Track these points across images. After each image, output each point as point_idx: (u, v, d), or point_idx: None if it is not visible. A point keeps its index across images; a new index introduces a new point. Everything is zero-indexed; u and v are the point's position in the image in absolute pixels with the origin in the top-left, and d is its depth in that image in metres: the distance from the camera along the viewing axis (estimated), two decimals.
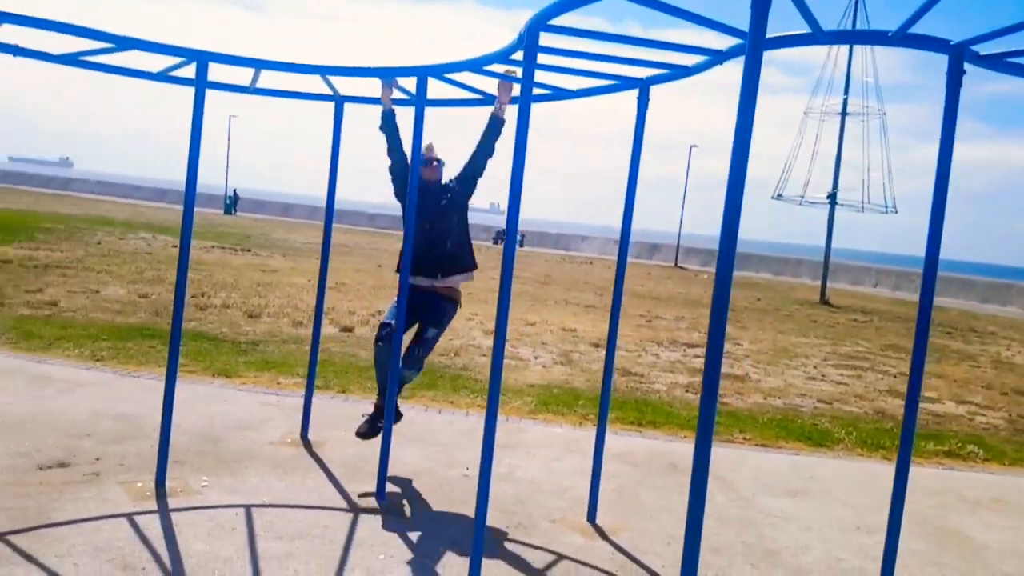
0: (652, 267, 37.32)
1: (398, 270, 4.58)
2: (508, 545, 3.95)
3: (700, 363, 10.22)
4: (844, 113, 23.54)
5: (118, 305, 9.76)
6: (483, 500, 3.33)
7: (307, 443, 5.14)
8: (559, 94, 4.49)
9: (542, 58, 3.80)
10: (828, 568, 4.10)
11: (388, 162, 4.74)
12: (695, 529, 2.56)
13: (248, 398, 6.09)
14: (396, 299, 4.58)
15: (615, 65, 3.94)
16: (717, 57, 3.58)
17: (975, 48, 3.14)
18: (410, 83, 4.34)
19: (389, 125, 4.65)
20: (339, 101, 4.97)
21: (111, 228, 22.72)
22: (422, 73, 4.11)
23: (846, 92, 23.48)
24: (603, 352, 10.20)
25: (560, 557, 3.88)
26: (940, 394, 9.67)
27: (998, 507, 5.38)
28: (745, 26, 2.84)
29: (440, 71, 4.07)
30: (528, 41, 3.20)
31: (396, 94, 4.69)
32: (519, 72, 3.88)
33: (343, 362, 7.68)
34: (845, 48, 23.71)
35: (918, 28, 3.09)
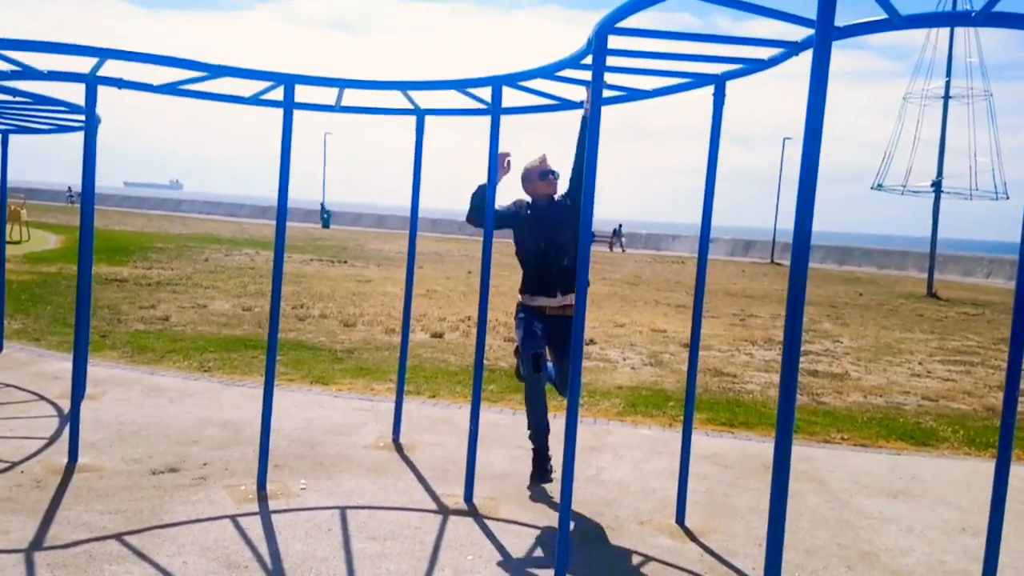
0: (747, 264, 36.41)
1: (522, 291, 4.77)
2: (595, 547, 3.97)
3: None
4: (947, 96, 22.40)
5: (223, 318, 10.28)
6: (566, 501, 3.37)
7: (399, 447, 5.29)
8: (634, 95, 4.49)
9: (615, 60, 3.82)
10: (930, 571, 3.93)
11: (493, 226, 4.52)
12: (778, 528, 2.53)
13: (343, 404, 6.32)
14: (523, 326, 4.65)
15: (689, 63, 3.92)
16: (792, 49, 3.52)
17: None
18: (485, 93, 4.43)
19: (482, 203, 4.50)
20: (420, 115, 5.12)
21: (218, 245, 23.92)
22: (496, 83, 4.19)
23: (948, 74, 22.34)
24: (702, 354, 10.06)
25: (648, 559, 3.87)
26: None
27: None
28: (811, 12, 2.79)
29: (514, 80, 4.14)
30: (597, 46, 3.23)
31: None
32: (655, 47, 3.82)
33: (434, 367, 7.86)
34: (945, 30, 22.58)
35: (1005, 6, 2.96)
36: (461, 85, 4.35)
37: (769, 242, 41.22)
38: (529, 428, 4.77)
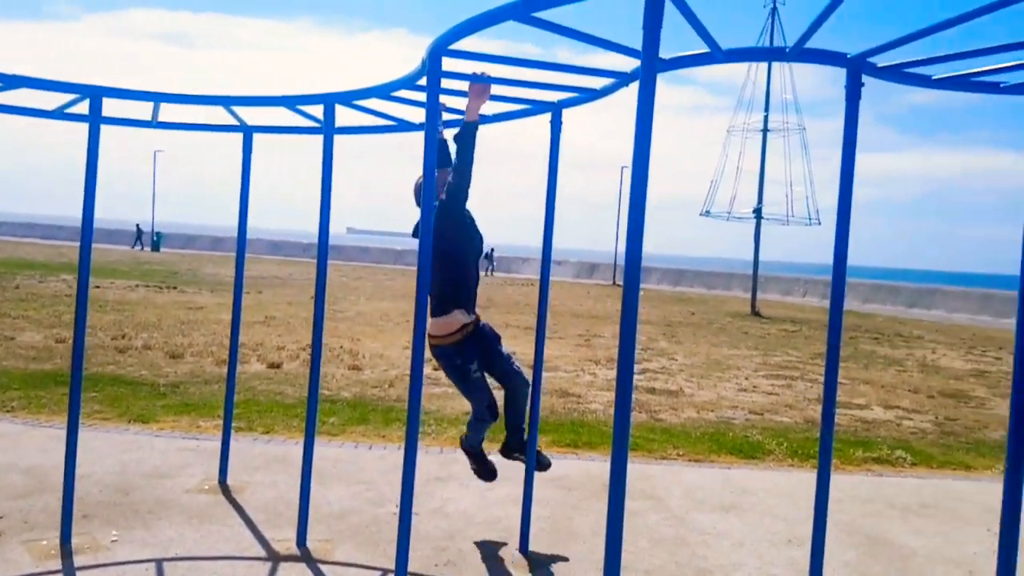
0: (592, 286, 37.62)
1: (445, 311, 4.14)
2: None
3: (637, 380, 10.25)
4: (765, 130, 24.24)
5: (32, 351, 9.29)
6: (404, 539, 3.20)
7: (226, 489, 4.91)
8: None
9: (453, 84, 3.75)
10: None
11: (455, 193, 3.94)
12: (614, 552, 2.49)
13: (165, 444, 5.82)
14: (461, 371, 4.18)
15: (527, 90, 3.92)
16: (623, 79, 3.58)
17: (873, 60, 3.20)
18: (318, 111, 4.22)
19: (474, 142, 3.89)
20: (248, 132, 4.83)
21: (31, 271, 21.82)
22: (329, 100, 4.01)
23: (767, 109, 24.21)
24: (543, 374, 10.15)
25: None
26: (868, 400, 9.89)
27: (927, 512, 5.47)
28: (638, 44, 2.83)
29: (348, 98, 3.98)
30: (430, 67, 3.13)
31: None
32: (490, 71, 3.65)
33: (269, 400, 7.44)
34: (764, 66, 24.47)
35: (818, 43, 3.15)
36: (291, 102, 4.13)
37: (611, 264, 42.86)
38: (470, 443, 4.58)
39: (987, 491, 6.04)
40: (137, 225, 48.45)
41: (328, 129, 4.06)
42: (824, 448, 3.39)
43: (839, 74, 3.29)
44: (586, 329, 16.45)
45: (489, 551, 4.26)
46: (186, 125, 4.82)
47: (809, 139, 24.58)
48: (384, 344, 11.98)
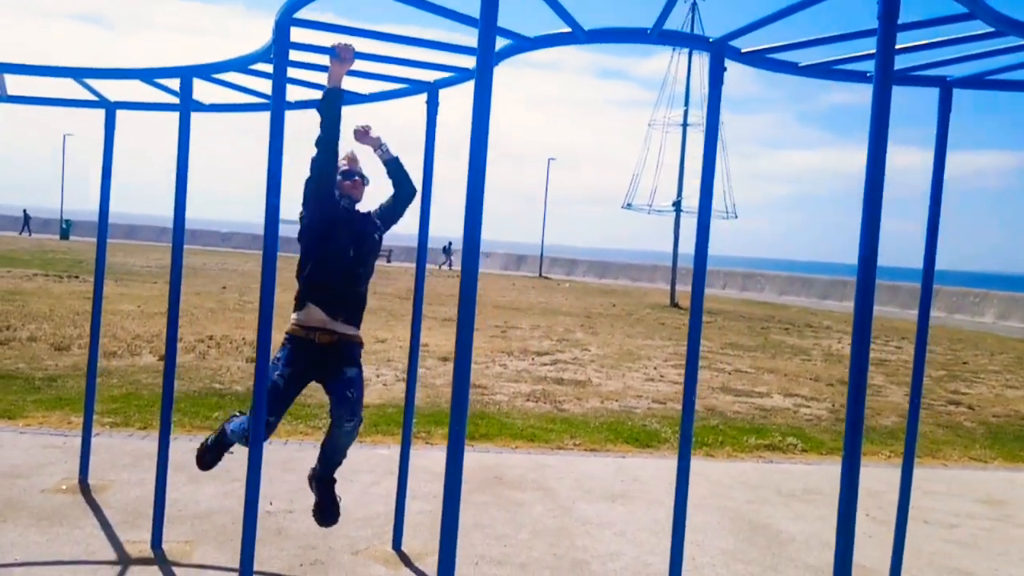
0: (517, 278, 37.62)
1: (298, 308, 3.64)
2: None
3: (546, 371, 10.22)
4: (685, 124, 24.57)
5: None
6: (248, 537, 3.03)
7: (86, 488, 4.62)
8: (349, 98, 4.25)
9: (312, 57, 3.57)
10: (635, 575, 4.04)
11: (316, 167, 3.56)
12: (450, 539, 2.38)
13: (29, 441, 5.46)
14: (279, 368, 3.57)
15: (401, 67, 3.77)
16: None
17: (736, 45, 3.16)
18: (174, 86, 3.97)
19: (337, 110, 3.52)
20: (110, 108, 4.53)
21: None
22: (187, 74, 3.77)
23: (686, 104, 24.53)
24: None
25: None
26: (770, 388, 10.08)
27: (810, 498, 5.56)
28: (519, 27, 2.72)
29: (206, 71, 3.74)
30: (277, 36, 2.94)
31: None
32: (348, 44, 3.34)
33: (152, 395, 7.08)
34: (685, 61, 24.80)
35: (688, 27, 3.08)
36: (147, 75, 3.86)
37: (538, 256, 43.01)
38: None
39: (872, 476, 6.18)
40: (24, 210, 46.25)
41: (186, 104, 3.81)
42: (685, 435, 3.35)
43: (762, 72, 3.26)
44: (504, 321, 16.38)
45: (361, 549, 4.10)
46: (42, 99, 4.50)
47: (731, 135, 25.10)
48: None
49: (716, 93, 3.12)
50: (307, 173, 3.57)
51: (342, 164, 3.71)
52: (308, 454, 5.63)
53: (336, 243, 3.61)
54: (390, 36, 3.36)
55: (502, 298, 22.99)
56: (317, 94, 4.12)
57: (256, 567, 3.76)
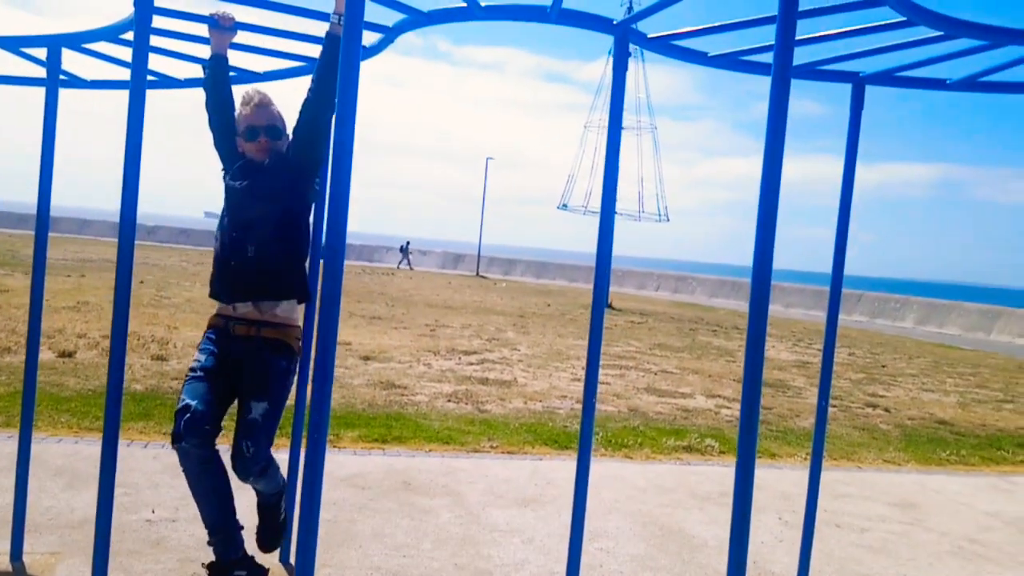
0: (454, 276, 37.35)
1: (214, 295, 3.34)
2: None
3: (472, 371, 10.01)
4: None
5: None
6: (101, 543, 2.73)
7: None
8: (243, 76, 3.97)
9: (185, 26, 3.29)
10: None
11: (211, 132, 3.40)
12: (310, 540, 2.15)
13: None
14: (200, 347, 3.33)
15: (298, 43, 3.51)
16: (388, 33, 3.24)
17: (643, 31, 3.01)
18: (40, 58, 3.62)
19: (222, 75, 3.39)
20: None
21: None
22: (54, 43, 3.43)
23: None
24: (374, 365, 9.73)
25: None
26: (694, 389, 10.08)
27: (724, 501, 5.47)
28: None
29: (75, 40, 3.41)
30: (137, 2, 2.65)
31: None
32: (227, 12, 3.20)
33: (42, 393, 6.61)
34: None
35: (591, 7, 2.91)
36: (12, 44, 3.51)
37: (475, 255, 42.80)
38: (207, 528, 3.24)
39: (786, 479, 6.16)
40: None
41: (53, 79, 3.47)
42: (584, 438, 3.19)
43: (709, 82, 3.14)
44: (435, 319, 16.11)
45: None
46: None
47: (673, 142, 25.37)
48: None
49: (620, 78, 2.96)
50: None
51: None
52: None
53: (221, 223, 3.39)
54: (283, 6, 3.10)
55: (436, 296, 22.70)
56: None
57: None
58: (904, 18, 2.61)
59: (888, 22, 2.72)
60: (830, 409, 9.44)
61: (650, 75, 24.37)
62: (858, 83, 3.56)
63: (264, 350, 3.20)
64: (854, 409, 9.63)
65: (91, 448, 5.30)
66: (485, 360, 11.04)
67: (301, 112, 3.20)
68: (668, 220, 25.07)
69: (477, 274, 40.50)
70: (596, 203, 25.38)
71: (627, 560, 4.26)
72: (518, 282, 35.79)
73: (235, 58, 3.71)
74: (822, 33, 2.82)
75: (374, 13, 3.00)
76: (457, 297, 23.43)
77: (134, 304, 13.80)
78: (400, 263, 40.73)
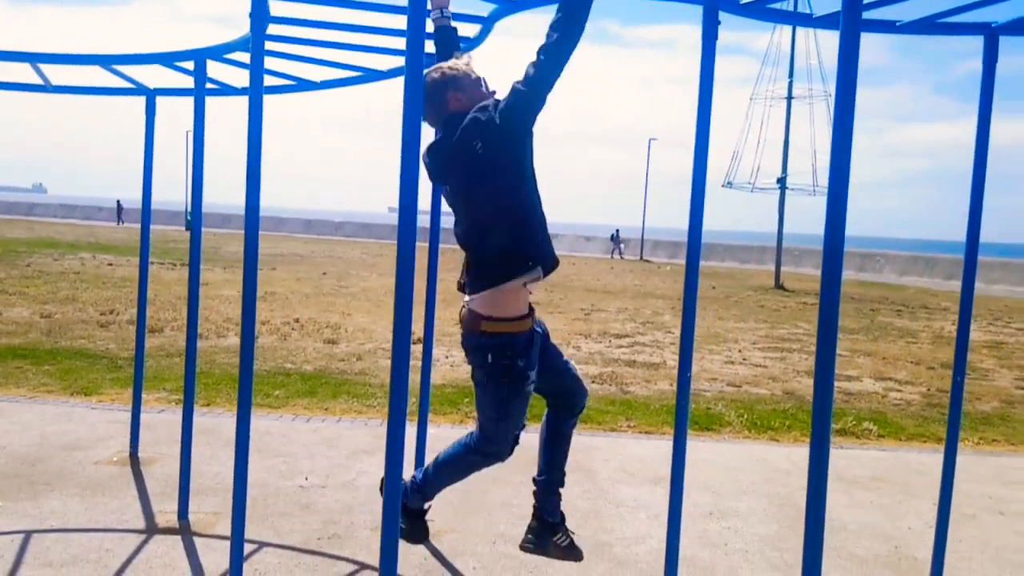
0: (617, 261, 37.22)
1: (509, 278, 2.81)
2: (307, 558, 3.68)
3: (620, 353, 10.01)
4: (790, 97, 23.48)
5: (13, 326, 9.40)
6: (239, 502, 3.06)
7: (136, 461, 4.85)
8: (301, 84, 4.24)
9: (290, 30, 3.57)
10: (658, 558, 3.86)
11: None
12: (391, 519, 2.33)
13: (98, 416, 5.78)
14: (518, 387, 2.89)
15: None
16: (485, 23, 3.36)
17: None
18: (187, 73, 4.07)
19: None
20: (150, 95, 4.69)
21: (52, 249, 22.27)
22: (200, 56, 3.85)
23: (791, 75, 23.42)
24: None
25: (362, 567, 3.62)
26: (862, 372, 9.50)
27: (874, 485, 5.18)
28: None
29: (219, 52, 3.81)
30: (255, 9, 2.93)
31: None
32: None
33: (222, 373, 7.38)
34: (788, 32, 23.66)
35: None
36: (166, 59, 3.97)
37: (639, 240, 42.36)
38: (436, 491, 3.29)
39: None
40: (118, 201, 49.08)
41: (200, 88, 3.89)
42: (680, 419, 3.17)
43: (897, 43, 3.01)
44: (591, 304, 16.19)
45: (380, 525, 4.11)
46: (86, 89, 4.70)
47: (860, 109, 23.77)
48: (374, 318, 11.91)
49: (710, 49, 2.89)
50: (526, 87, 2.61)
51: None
52: (358, 431, 5.73)
53: (536, 191, 2.87)
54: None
55: (596, 281, 22.75)
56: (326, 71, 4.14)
57: (275, 540, 3.86)
58: None
59: None
60: (1019, 392, 8.61)
61: (828, 39, 22.93)
62: (991, 34, 3.25)
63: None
64: None
65: (260, 422, 5.86)
66: (636, 343, 10.98)
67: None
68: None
69: (640, 258, 40.06)
70: (763, 179, 24.33)
71: (754, 539, 4.16)
72: (680, 265, 35.00)
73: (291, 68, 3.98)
74: None
75: (470, 4, 3.14)
76: (617, 282, 23.35)
77: (316, 293, 15.01)
78: (613, 252, 40.76)
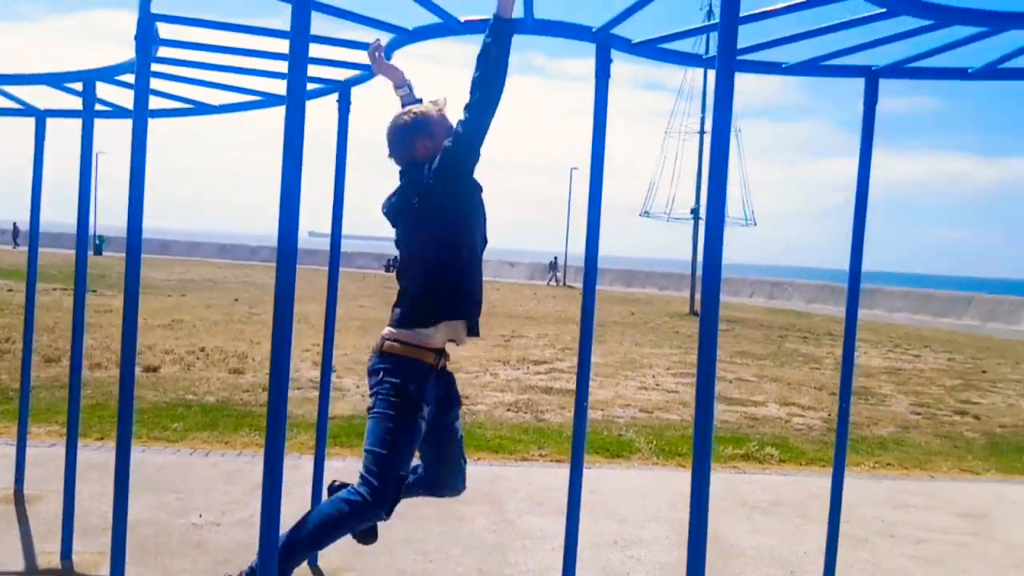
0: (540, 287, 37.54)
1: (420, 321, 2.88)
2: None
3: (537, 380, 10.05)
4: (702, 132, 24.28)
5: None
6: (119, 541, 2.91)
7: (20, 498, 4.58)
8: (248, 104, 4.17)
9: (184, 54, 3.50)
10: None
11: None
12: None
13: None
14: (410, 418, 2.83)
15: (311, 67, 3.67)
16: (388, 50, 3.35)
17: (622, 34, 3.01)
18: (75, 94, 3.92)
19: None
20: (40, 116, 4.50)
21: None
22: (89, 78, 3.72)
23: (703, 111, 24.25)
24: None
25: None
26: (768, 397, 9.79)
27: (774, 510, 5.32)
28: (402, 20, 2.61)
29: (110, 74, 3.69)
30: (141, 31, 2.85)
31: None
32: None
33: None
34: (700, 70, 24.51)
35: (576, 17, 2.95)
36: (55, 80, 3.82)
37: (569, 266, 42.84)
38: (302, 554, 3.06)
39: (848, 488, 5.91)
40: (14, 223, 47.04)
41: (88, 110, 3.75)
42: (577, 441, 3.19)
43: (813, 82, 3.14)
44: (512, 330, 16.23)
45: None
46: None
47: (773, 143, 24.77)
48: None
49: (603, 86, 2.96)
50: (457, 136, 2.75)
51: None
52: (259, 466, 5.55)
53: (481, 238, 2.96)
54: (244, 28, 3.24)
55: (518, 308, 22.86)
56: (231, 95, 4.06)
57: None
58: (882, 9, 2.53)
59: (865, 15, 2.64)
60: (914, 417, 9.01)
61: (745, 77, 23.95)
62: (871, 76, 3.44)
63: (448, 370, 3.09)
64: (940, 416, 9.13)
65: (156, 457, 5.65)
66: (554, 370, 11.06)
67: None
68: (755, 224, 24.43)
69: (563, 284, 40.53)
70: (679, 209, 25.03)
71: (656, 568, 4.21)
72: (607, 291, 35.57)
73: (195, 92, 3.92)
74: (824, 25, 2.76)
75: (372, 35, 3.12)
76: (539, 308, 23.52)
77: (225, 321, 14.58)
78: (550, 279, 41.00)
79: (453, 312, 2.88)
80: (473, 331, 2.98)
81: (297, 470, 5.20)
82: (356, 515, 2.81)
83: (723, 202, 2.13)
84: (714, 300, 2.12)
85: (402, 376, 2.83)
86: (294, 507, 4.14)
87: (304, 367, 9.66)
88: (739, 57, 3.08)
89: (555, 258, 42.51)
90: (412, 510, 4.83)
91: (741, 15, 2.11)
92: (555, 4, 2.82)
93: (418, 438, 2.87)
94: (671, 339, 16.47)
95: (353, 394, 8.34)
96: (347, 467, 5.70)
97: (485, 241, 3.01)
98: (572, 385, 9.74)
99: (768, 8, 2.72)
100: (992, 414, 9.48)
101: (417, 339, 2.88)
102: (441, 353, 2.97)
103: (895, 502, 5.63)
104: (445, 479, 3.14)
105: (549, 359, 12.17)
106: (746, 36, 2.97)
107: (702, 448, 2.14)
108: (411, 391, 2.82)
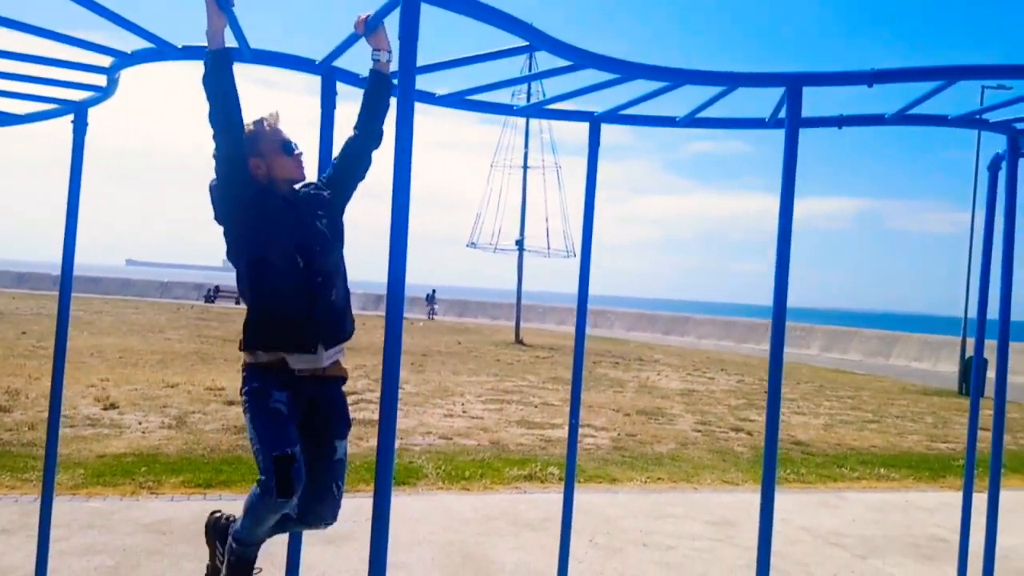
0: (370, 318, 37.02)
1: (246, 348, 2.97)
2: None
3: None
4: (525, 167, 25.18)
5: None
6: None
7: None
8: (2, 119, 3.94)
9: None
10: None
11: (222, 147, 2.84)
12: None
13: None
14: (257, 405, 2.90)
15: (37, 85, 3.52)
16: (110, 71, 3.29)
17: (345, 67, 3.13)
18: None
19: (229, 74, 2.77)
20: None
21: None
22: None
23: (526, 147, 25.17)
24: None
25: None
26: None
27: (543, 526, 5.55)
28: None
29: None
30: None
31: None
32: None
33: None
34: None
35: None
36: None
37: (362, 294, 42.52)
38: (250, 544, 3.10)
39: (615, 503, 6.30)
40: None
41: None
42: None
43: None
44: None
45: None
46: None
47: (603, 180, 25.86)
48: (67, 382, 10.81)
49: (328, 117, 3.06)
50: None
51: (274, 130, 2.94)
52: (5, 509, 5.13)
53: (278, 247, 2.92)
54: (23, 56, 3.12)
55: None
56: None
57: None
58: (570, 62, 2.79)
59: (561, 66, 2.91)
60: (694, 435, 9.70)
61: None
62: (594, 121, 3.75)
63: (337, 387, 3.16)
64: (717, 433, 9.90)
65: None
66: (361, 400, 10.96)
67: (347, 146, 3.07)
68: (574, 256, 25.50)
69: (378, 312, 40.32)
70: (504, 240, 25.70)
71: None
72: (439, 321, 35.76)
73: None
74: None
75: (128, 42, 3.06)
76: (366, 339, 23.24)
77: (5, 355, 13.34)
78: (430, 313, 39.64)
79: (271, 347, 2.96)
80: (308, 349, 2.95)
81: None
82: (260, 503, 2.87)
83: (404, 253, 2.25)
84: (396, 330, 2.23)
85: (249, 379, 2.98)
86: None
87: (84, 403, 9.02)
88: (454, 95, 3.29)
89: (432, 291, 41.82)
90: (169, 548, 4.65)
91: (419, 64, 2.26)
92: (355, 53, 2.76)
93: (277, 420, 2.87)
94: (491, 367, 16.79)
95: (133, 431, 7.90)
96: (106, 507, 5.40)
97: (294, 257, 2.91)
98: (374, 415, 9.73)
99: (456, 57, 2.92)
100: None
101: (252, 359, 3.00)
102: (295, 372, 2.97)
103: (657, 513, 6.05)
104: (310, 504, 3.04)
105: (360, 390, 12.03)
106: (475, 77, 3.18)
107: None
108: (255, 386, 2.94)
